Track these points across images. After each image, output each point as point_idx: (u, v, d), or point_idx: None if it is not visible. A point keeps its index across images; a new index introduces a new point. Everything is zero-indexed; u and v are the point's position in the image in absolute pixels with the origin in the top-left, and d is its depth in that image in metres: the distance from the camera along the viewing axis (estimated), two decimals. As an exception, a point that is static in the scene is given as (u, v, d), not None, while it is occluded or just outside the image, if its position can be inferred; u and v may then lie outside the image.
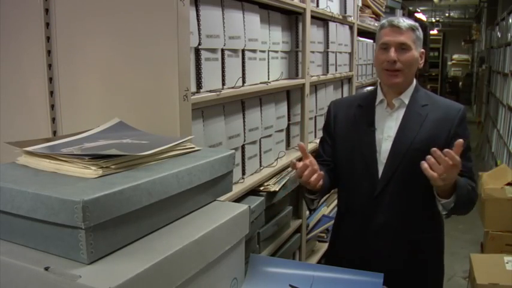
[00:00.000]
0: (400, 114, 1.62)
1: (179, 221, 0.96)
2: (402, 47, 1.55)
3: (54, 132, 1.37)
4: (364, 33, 3.33)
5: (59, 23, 1.31)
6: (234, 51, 1.56)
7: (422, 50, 1.63)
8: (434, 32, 14.71)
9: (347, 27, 2.84)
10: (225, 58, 1.51)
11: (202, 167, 1.00)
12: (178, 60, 1.17)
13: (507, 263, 2.65)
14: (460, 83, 15.88)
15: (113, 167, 0.88)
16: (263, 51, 1.81)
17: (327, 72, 2.51)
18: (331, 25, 2.50)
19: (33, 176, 0.87)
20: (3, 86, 1.41)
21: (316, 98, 2.40)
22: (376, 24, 3.42)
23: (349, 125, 1.69)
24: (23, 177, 0.86)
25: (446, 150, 1.33)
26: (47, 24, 1.32)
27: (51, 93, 1.35)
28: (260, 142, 1.81)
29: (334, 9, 2.49)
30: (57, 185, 0.80)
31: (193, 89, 1.35)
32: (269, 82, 1.84)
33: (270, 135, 1.89)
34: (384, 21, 1.62)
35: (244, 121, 1.67)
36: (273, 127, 1.91)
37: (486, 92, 8.44)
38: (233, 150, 1.13)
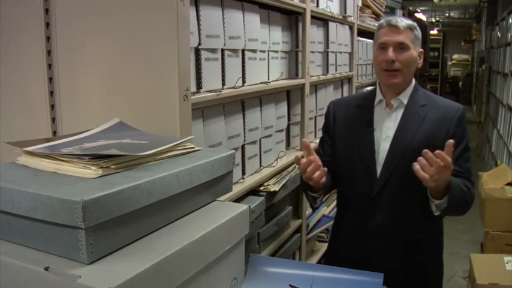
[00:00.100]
0: (399, 114, 1.62)
1: (179, 221, 0.96)
2: (400, 47, 1.56)
3: (54, 132, 1.37)
4: (364, 33, 3.33)
5: (59, 23, 1.31)
6: (234, 51, 1.57)
7: (421, 49, 1.63)
8: (434, 32, 14.71)
9: (347, 27, 2.84)
10: (225, 58, 1.51)
11: (202, 167, 1.00)
12: (178, 60, 1.17)
13: (507, 263, 2.65)
14: (460, 83, 15.88)
15: (113, 167, 0.88)
16: (263, 51, 1.81)
17: (327, 72, 2.51)
18: (331, 25, 2.50)
19: (33, 176, 0.87)
20: (3, 86, 1.41)
21: (316, 98, 2.40)
22: (376, 24, 3.42)
23: (348, 125, 1.69)
24: (23, 177, 0.86)
25: (437, 151, 1.32)
26: (47, 24, 1.32)
27: (51, 93, 1.35)
28: (260, 142, 1.81)
29: (334, 9, 2.49)
30: (57, 185, 0.80)
31: (193, 89, 1.35)
32: (269, 82, 1.84)
33: (270, 135, 1.89)
34: (381, 21, 1.63)
35: (244, 121, 1.67)
36: (273, 127, 1.91)
37: (486, 92, 8.43)
38: (233, 150, 1.13)
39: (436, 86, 14.15)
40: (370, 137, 1.62)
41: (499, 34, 6.88)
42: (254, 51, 1.70)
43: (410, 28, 1.57)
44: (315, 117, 2.43)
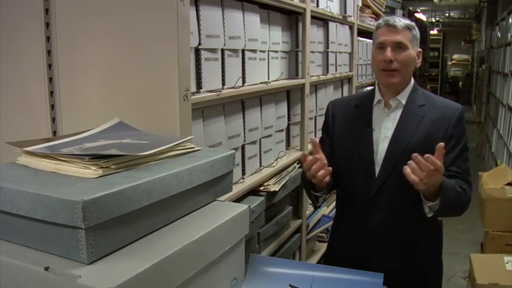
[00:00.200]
0: (398, 114, 1.62)
1: (179, 221, 0.96)
2: (398, 46, 1.56)
3: (54, 132, 1.37)
4: (364, 33, 3.33)
5: (59, 23, 1.31)
6: (234, 51, 1.57)
7: (420, 49, 1.63)
8: (434, 32, 14.71)
9: (347, 27, 2.84)
10: (225, 58, 1.51)
11: (202, 167, 1.00)
12: (178, 60, 1.17)
13: (507, 263, 2.65)
14: (460, 83, 15.88)
15: (113, 167, 0.88)
16: (263, 51, 1.81)
17: (327, 72, 2.51)
18: (331, 25, 2.50)
19: (33, 176, 0.87)
20: (3, 86, 1.41)
21: (316, 98, 2.40)
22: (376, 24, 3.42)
23: (346, 125, 1.69)
24: (23, 177, 0.86)
25: (426, 155, 1.32)
26: (47, 24, 1.32)
27: (51, 93, 1.35)
28: (260, 142, 1.81)
29: (334, 9, 2.49)
30: (57, 185, 0.80)
31: (193, 89, 1.35)
32: (269, 82, 1.84)
33: (270, 135, 1.89)
34: (380, 21, 1.63)
35: (244, 121, 1.67)
36: (273, 127, 1.91)
37: (486, 92, 8.43)
38: (233, 150, 1.13)
39: (436, 86, 14.16)
40: (369, 137, 1.62)
41: (499, 34, 6.88)
42: (254, 51, 1.70)
43: (408, 28, 1.57)
44: (315, 117, 2.43)
